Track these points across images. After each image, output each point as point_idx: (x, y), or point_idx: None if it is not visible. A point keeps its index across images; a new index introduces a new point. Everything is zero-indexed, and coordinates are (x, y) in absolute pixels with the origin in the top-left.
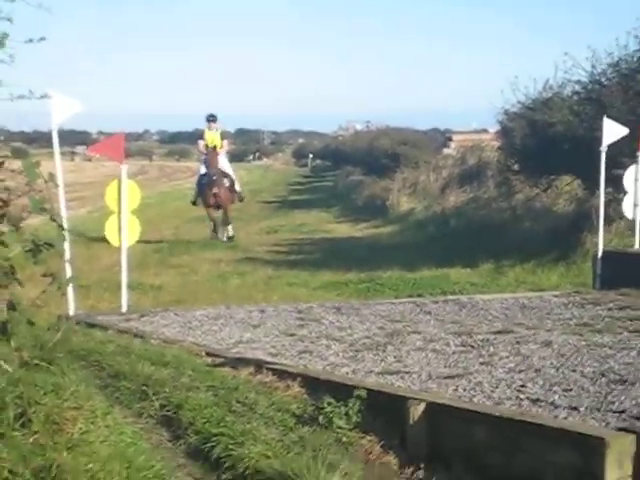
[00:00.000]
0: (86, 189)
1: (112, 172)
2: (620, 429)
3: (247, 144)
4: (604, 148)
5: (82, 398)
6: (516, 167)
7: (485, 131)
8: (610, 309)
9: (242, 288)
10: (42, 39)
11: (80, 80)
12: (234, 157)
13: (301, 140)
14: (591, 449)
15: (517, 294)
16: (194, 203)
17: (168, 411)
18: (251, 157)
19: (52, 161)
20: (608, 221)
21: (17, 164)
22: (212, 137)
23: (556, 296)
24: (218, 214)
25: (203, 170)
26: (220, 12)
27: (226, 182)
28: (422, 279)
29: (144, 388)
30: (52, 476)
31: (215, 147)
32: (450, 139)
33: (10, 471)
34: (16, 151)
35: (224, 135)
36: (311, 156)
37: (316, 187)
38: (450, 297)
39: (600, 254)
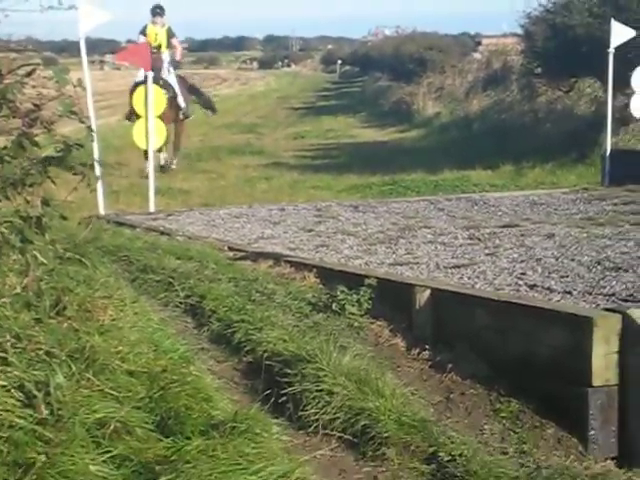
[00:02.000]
0: (116, 97)
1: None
2: (607, 309)
3: (276, 51)
4: (612, 50)
5: (112, 288)
6: (538, 70)
7: (515, 35)
8: (615, 204)
9: (268, 192)
10: None
11: None
12: (263, 64)
13: (330, 46)
14: (580, 328)
15: (528, 192)
16: (128, 118)
17: (192, 301)
18: (280, 64)
19: (81, 70)
20: (625, 122)
21: (48, 73)
22: (155, 33)
23: (565, 193)
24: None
25: (140, 76)
26: None
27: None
28: (444, 181)
29: (170, 280)
30: (85, 357)
31: (159, 47)
32: (479, 43)
33: (47, 352)
34: (46, 60)
35: (172, 33)
36: (340, 62)
37: (344, 93)
38: (463, 195)
39: (608, 153)
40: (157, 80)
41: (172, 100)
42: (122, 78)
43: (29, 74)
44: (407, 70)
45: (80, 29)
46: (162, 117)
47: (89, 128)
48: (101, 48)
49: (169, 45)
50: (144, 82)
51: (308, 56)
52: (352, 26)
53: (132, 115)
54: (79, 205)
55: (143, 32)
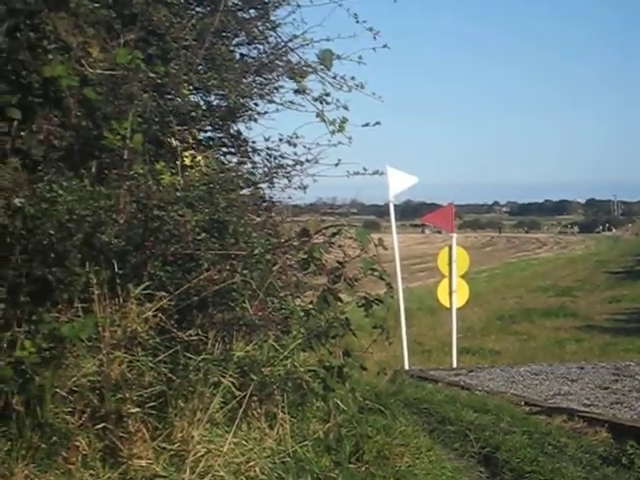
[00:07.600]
0: (435, 260)
1: (461, 243)
2: None
3: (597, 215)
4: None
5: (409, 437)
6: None
7: None
8: None
9: (578, 354)
10: (377, 123)
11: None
12: (584, 228)
13: None
14: None
15: None
16: None
17: (487, 451)
18: (600, 228)
19: (403, 233)
20: None
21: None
22: None
23: None
24: None
25: None
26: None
27: None
28: None
29: (466, 432)
30: None
31: None
32: None
33: None
34: (367, 223)
35: None
36: None
37: None
38: None
39: None
40: None
41: None
42: (443, 241)
43: (334, 234)
44: None
45: (390, 192)
46: None
47: (389, 285)
48: (423, 211)
49: None
50: None
51: (629, 220)
52: None
53: None
54: (390, 361)
55: None
